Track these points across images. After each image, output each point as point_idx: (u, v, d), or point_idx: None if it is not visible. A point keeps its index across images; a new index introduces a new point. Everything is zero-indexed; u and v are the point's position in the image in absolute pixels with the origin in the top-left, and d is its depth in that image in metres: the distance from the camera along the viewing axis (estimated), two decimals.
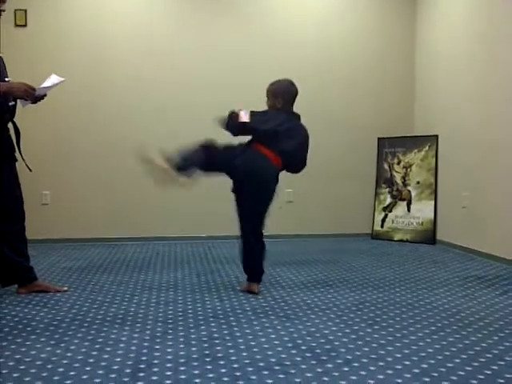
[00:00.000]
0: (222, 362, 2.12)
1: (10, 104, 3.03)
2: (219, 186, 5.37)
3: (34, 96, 2.95)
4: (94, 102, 5.22)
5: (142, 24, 5.28)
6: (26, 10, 5.05)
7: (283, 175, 3.29)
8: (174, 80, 5.33)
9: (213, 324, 2.62)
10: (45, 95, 3.05)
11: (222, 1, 5.36)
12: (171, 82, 5.32)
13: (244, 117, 3.06)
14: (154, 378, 1.97)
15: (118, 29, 5.24)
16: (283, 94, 3.21)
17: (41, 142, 5.11)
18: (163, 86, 5.31)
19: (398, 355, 2.21)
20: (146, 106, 5.30)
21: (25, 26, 5.06)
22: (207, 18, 5.34)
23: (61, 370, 2.05)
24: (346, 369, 2.06)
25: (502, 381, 1.97)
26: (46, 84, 3.00)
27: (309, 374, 2.01)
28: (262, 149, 3.11)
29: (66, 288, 3.32)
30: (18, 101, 3.03)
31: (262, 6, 5.42)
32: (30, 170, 3.16)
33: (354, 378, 1.98)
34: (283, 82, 3.25)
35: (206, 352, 2.23)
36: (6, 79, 3.02)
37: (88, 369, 2.05)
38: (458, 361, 2.15)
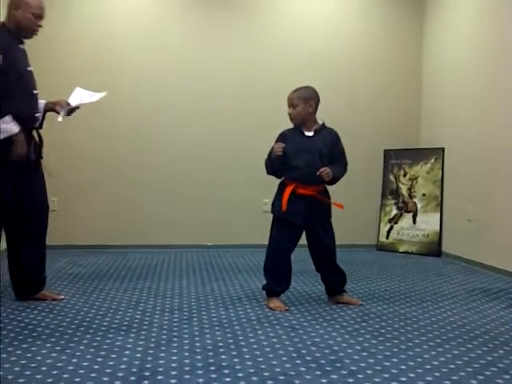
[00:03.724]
0: (226, 371, 2.12)
1: (37, 115, 3.12)
2: (225, 196, 5.42)
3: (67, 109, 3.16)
4: (102, 109, 5.23)
5: (152, 31, 5.33)
6: None
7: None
8: (184, 89, 5.36)
9: (218, 332, 2.63)
10: (77, 107, 3.22)
11: (231, 10, 5.42)
12: (181, 91, 5.36)
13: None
14: None
15: (126, 32, 5.29)
16: (314, 97, 3.14)
17: (48, 149, 5.12)
18: (173, 96, 5.35)
19: (403, 367, 2.21)
20: (154, 115, 5.34)
21: None
22: (219, 27, 5.40)
23: (66, 376, 2.05)
24: (350, 380, 2.06)
25: None
26: (80, 100, 3.21)
27: None
28: None
29: (62, 296, 3.29)
30: (60, 115, 3.16)
31: (265, 15, 5.46)
32: (52, 176, 3.26)
33: None
34: (309, 87, 3.17)
35: (211, 360, 2.24)
36: (28, 68, 3.08)
37: (93, 375, 2.06)
38: (463, 374, 2.14)
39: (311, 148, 3.11)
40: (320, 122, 3.19)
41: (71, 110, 3.21)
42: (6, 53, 2.87)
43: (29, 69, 3.08)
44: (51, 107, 3.19)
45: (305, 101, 3.11)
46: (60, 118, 3.15)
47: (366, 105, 5.60)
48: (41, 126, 3.21)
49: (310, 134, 3.15)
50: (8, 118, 2.88)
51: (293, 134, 3.18)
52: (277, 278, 3.17)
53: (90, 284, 3.70)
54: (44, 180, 3.23)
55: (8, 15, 3.02)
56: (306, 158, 3.09)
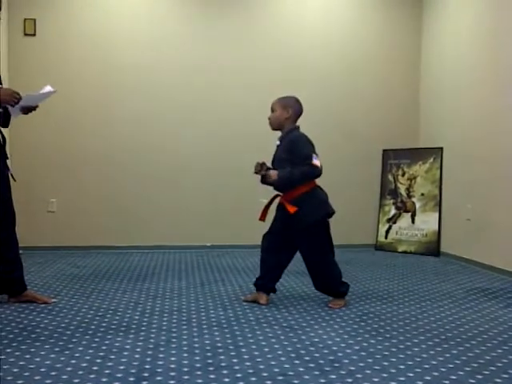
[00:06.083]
0: (225, 372, 2.12)
1: None
2: (223, 196, 5.42)
3: (17, 102, 2.86)
4: (102, 111, 5.26)
5: (153, 31, 5.33)
6: (35, 20, 5.11)
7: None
8: (182, 91, 5.36)
9: (216, 333, 2.63)
10: (36, 106, 3.01)
11: (232, 12, 5.42)
12: (179, 92, 5.35)
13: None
14: None
15: (128, 37, 5.29)
16: (293, 105, 3.18)
17: (48, 151, 5.16)
18: (172, 98, 5.35)
19: (402, 367, 2.21)
20: (154, 117, 5.34)
21: (34, 35, 5.11)
22: (217, 26, 5.41)
23: (65, 377, 2.05)
24: (349, 380, 2.06)
25: None
26: (37, 93, 2.96)
27: None
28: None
29: (53, 300, 3.24)
30: (10, 110, 2.95)
31: (260, 16, 5.47)
32: (15, 180, 3.10)
33: None
34: (292, 97, 3.24)
35: (210, 361, 2.24)
36: None
37: (92, 376, 2.06)
38: (461, 373, 2.15)
39: (276, 157, 3.22)
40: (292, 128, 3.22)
41: (28, 109, 2.97)
42: None
43: None
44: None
45: (283, 107, 3.18)
46: (13, 115, 2.95)
47: (365, 105, 5.60)
48: (5, 125, 3.04)
49: (278, 143, 3.24)
50: None
51: None
52: (261, 270, 3.28)
53: (89, 285, 3.70)
54: (8, 177, 3.02)
55: None
56: (274, 167, 3.20)
